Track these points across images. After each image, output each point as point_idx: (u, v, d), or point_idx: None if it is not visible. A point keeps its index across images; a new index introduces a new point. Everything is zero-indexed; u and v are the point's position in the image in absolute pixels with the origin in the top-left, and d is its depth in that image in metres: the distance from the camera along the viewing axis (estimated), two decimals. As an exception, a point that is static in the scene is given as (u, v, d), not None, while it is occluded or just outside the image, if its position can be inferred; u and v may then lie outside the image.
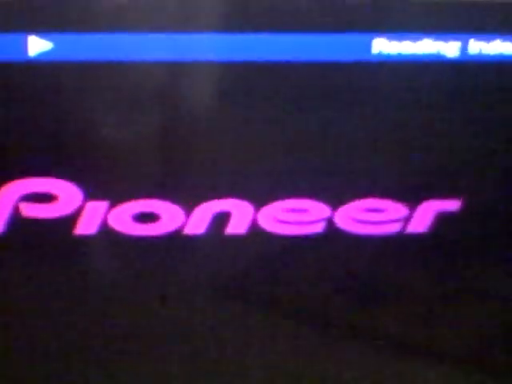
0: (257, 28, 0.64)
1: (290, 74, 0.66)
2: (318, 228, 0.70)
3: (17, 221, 0.66)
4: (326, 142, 0.68)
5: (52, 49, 0.63)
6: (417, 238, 0.71)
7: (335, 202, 0.70)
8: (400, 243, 0.71)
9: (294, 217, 0.69)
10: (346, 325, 0.73)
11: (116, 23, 0.63)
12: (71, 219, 0.67)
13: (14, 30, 0.62)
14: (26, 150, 0.65)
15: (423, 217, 0.71)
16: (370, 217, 0.70)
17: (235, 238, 0.69)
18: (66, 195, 0.66)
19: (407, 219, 0.71)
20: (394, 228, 0.71)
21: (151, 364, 0.72)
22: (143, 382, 0.72)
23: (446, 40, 0.66)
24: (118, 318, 0.70)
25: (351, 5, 0.65)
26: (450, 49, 0.67)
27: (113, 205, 0.67)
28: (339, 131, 0.68)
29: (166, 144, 0.67)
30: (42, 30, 0.62)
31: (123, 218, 0.68)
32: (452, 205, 0.71)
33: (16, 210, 0.66)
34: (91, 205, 0.67)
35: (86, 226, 0.67)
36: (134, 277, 0.70)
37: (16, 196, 0.66)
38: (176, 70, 0.65)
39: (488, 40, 0.67)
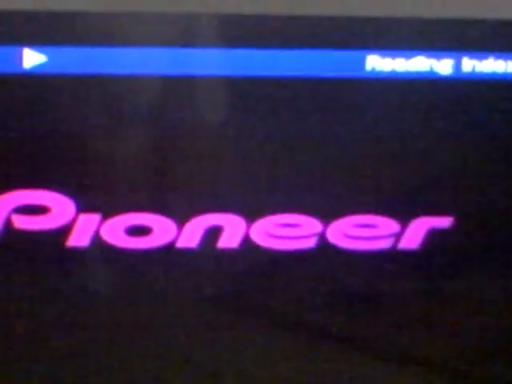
0: (251, 44, 0.65)
1: (284, 89, 0.66)
2: (310, 243, 0.70)
3: (9, 232, 0.67)
4: (318, 157, 0.68)
5: (46, 62, 0.63)
6: (408, 253, 0.71)
7: (327, 217, 0.70)
8: (391, 259, 0.71)
9: (286, 231, 0.70)
10: (337, 338, 0.73)
11: (110, 37, 0.63)
12: (64, 231, 0.67)
13: (9, 42, 0.62)
14: (18, 161, 0.65)
15: (415, 233, 0.71)
16: (362, 232, 0.70)
17: (227, 252, 0.69)
18: (58, 207, 0.66)
19: (399, 235, 0.71)
20: (385, 244, 0.71)
21: (143, 379, 0.72)
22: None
23: (439, 57, 0.67)
24: (109, 331, 0.70)
25: (345, 22, 0.65)
26: (443, 66, 0.67)
27: (105, 217, 0.67)
28: (332, 147, 0.68)
29: (158, 158, 0.68)
30: (36, 43, 0.62)
31: (116, 230, 0.68)
32: (443, 221, 0.71)
33: (8, 221, 0.66)
34: (84, 217, 0.67)
35: (78, 239, 0.68)
36: (127, 289, 0.70)
37: (9, 208, 0.66)
38: (169, 84, 0.65)
39: (481, 58, 0.67)
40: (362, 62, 0.67)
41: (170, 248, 0.69)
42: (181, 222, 0.68)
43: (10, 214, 0.66)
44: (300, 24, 0.65)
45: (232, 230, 0.69)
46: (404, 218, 0.71)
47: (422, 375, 0.74)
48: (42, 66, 0.63)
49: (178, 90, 0.66)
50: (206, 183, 0.68)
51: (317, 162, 0.69)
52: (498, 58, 0.67)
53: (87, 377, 0.71)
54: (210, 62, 0.65)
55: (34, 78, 0.63)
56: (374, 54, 0.66)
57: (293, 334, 0.73)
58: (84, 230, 0.67)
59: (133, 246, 0.68)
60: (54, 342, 0.70)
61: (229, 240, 0.69)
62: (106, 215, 0.67)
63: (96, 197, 0.67)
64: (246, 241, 0.69)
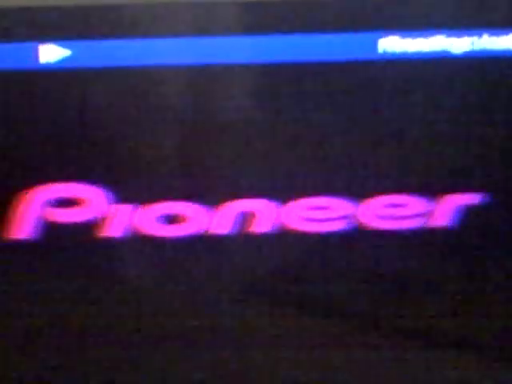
0: (264, 30, 0.67)
1: (297, 73, 0.68)
2: (342, 225, 0.70)
3: (43, 225, 0.67)
4: (344, 139, 0.69)
5: (70, 56, 0.66)
6: (440, 232, 0.71)
7: (358, 198, 0.70)
8: (423, 237, 0.71)
9: (317, 214, 0.70)
10: (373, 320, 0.71)
11: (133, 29, 0.66)
12: (97, 223, 0.68)
13: (29, 37, 0.65)
14: (51, 155, 0.67)
15: (446, 211, 0.71)
16: (393, 212, 0.70)
17: (260, 237, 0.69)
18: (91, 199, 0.67)
19: (430, 214, 0.71)
20: (417, 223, 0.71)
21: (178, 365, 0.70)
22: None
23: (452, 37, 0.68)
24: (144, 320, 0.69)
25: (357, 4, 0.68)
26: (456, 46, 0.68)
27: (138, 207, 0.68)
28: (357, 129, 0.69)
29: (189, 146, 0.69)
30: (57, 37, 0.65)
31: (149, 220, 0.68)
32: (474, 198, 0.71)
33: (42, 214, 0.67)
34: (117, 208, 0.68)
35: (112, 229, 0.68)
36: (161, 278, 0.69)
37: (42, 201, 0.67)
38: (195, 74, 0.68)
39: (495, 36, 0.68)
40: (375, 43, 0.68)
41: (203, 235, 0.69)
42: (213, 208, 0.69)
43: (43, 207, 0.67)
44: (312, 8, 0.67)
45: (264, 215, 0.69)
46: (435, 196, 0.71)
47: (459, 357, 0.72)
48: (64, 60, 0.66)
49: (205, 78, 0.67)
50: (236, 169, 0.69)
51: (344, 144, 0.69)
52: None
53: (126, 365, 0.69)
54: (228, 50, 0.67)
55: (58, 72, 0.66)
56: (386, 35, 0.68)
57: (328, 315, 0.71)
58: (118, 221, 0.68)
59: (167, 234, 0.68)
60: (91, 332, 0.69)
61: (261, 224, 0.69)
62: (139, 205, 0.68)
63: (128, 187, 0.68)
64: (279, 225, 0.69)
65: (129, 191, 0.68)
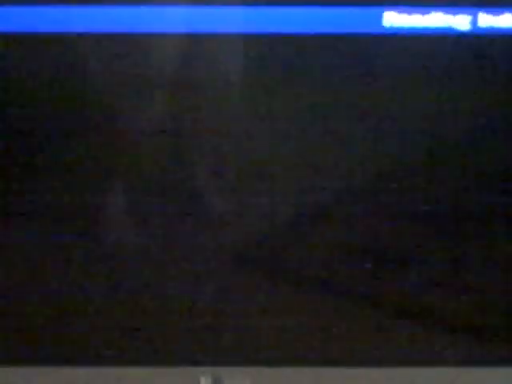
0: (268, 1, 0.65)
1: (302, 46, 0.67)
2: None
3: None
4: (347, 113, 0.69)
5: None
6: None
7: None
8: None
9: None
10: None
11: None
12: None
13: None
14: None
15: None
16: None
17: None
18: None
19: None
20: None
21: (177, 333, 0.72)
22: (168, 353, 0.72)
23: (456, 13, 0.67)
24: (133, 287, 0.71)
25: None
26: (460, 22, 0.67)
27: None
28: (362, 102, 0.68)
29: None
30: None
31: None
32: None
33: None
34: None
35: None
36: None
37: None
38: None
39: (498, 13, 0.67)
40: (379, 18, 0.67)
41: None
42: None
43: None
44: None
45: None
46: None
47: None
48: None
49: (206, 48, 0.66)
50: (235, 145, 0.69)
51: (346, 118, 0.69)
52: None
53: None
54: (230, 19, 0.66)
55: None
56: (391, 10, 0.67)
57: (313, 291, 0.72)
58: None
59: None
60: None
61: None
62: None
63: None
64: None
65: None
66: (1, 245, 0.70)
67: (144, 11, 0.65)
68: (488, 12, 0.67)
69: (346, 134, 0.69)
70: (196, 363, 0.72)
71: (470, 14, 0.67)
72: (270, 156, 0.69)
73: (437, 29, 0.67)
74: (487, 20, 0.67)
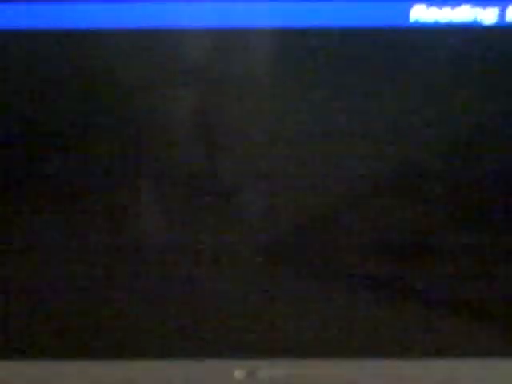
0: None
1: (329, 40, 0.67)
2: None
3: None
4: (374, 105, 0.69)
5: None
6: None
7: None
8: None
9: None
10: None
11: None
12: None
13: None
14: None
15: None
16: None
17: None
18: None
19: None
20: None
21: (211, 327, 0.73)
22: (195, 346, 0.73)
23: (483, 7, 0.67)
24: (167, 281, 0.72)
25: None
26: (487, 15, 0.67)
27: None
28: (387, 95, 0.69)
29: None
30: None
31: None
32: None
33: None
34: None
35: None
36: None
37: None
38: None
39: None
40: (407, 12, 0.67)
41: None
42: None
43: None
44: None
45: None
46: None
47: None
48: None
49: (233, 43, 0.68)
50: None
51: (372, 111, 0.70)
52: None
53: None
54: (258, 14, 0.67)
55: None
56: (418, 3, 0.67)
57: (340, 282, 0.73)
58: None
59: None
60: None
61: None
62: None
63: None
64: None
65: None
66: (29, 244, 0.72)
67: (170, 7, 0.66)
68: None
69: (369, 124, 0.69)
70: (230, 356, 0.73)
71: (498, 7, 0.67)
72: (297, 153, 0.70)
73: (464, 22, 0.67)
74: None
